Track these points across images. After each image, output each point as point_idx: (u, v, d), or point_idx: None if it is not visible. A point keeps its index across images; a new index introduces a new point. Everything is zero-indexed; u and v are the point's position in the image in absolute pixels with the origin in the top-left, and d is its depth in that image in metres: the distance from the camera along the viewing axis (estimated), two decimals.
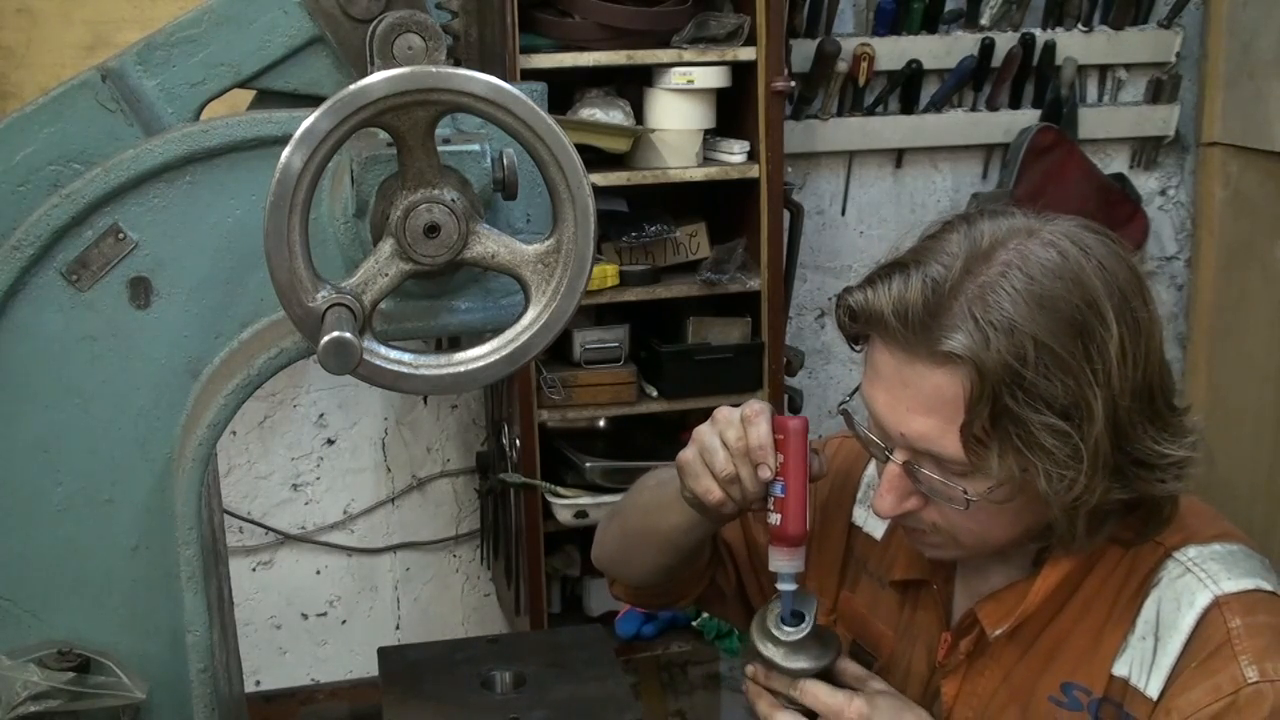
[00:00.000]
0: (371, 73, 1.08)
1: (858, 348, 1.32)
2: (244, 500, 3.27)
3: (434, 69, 1.08)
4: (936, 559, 1.39)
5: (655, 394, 2.97)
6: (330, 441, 3.31)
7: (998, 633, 1.33)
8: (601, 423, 3.02)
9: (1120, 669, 1.27)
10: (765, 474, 1.32)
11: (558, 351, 2.90)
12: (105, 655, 1.27)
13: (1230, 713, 1.20)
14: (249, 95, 1.32)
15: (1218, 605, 1.24)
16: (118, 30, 2.79)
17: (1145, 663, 1.26)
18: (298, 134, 1.06)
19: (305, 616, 3.39)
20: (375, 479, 3.36)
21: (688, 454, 1.39)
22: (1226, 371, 3.51)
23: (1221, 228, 3.49)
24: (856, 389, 1.33)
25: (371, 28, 1.15)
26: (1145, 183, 3.54)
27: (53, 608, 1.28)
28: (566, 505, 2.86)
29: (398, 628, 3.45)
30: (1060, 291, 1.18)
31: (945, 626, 1.41)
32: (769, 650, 1.32)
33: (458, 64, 1.22)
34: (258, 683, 3.31)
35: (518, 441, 2.87)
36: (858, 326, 1.28)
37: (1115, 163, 3.52)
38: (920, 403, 1.23)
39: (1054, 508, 1.23)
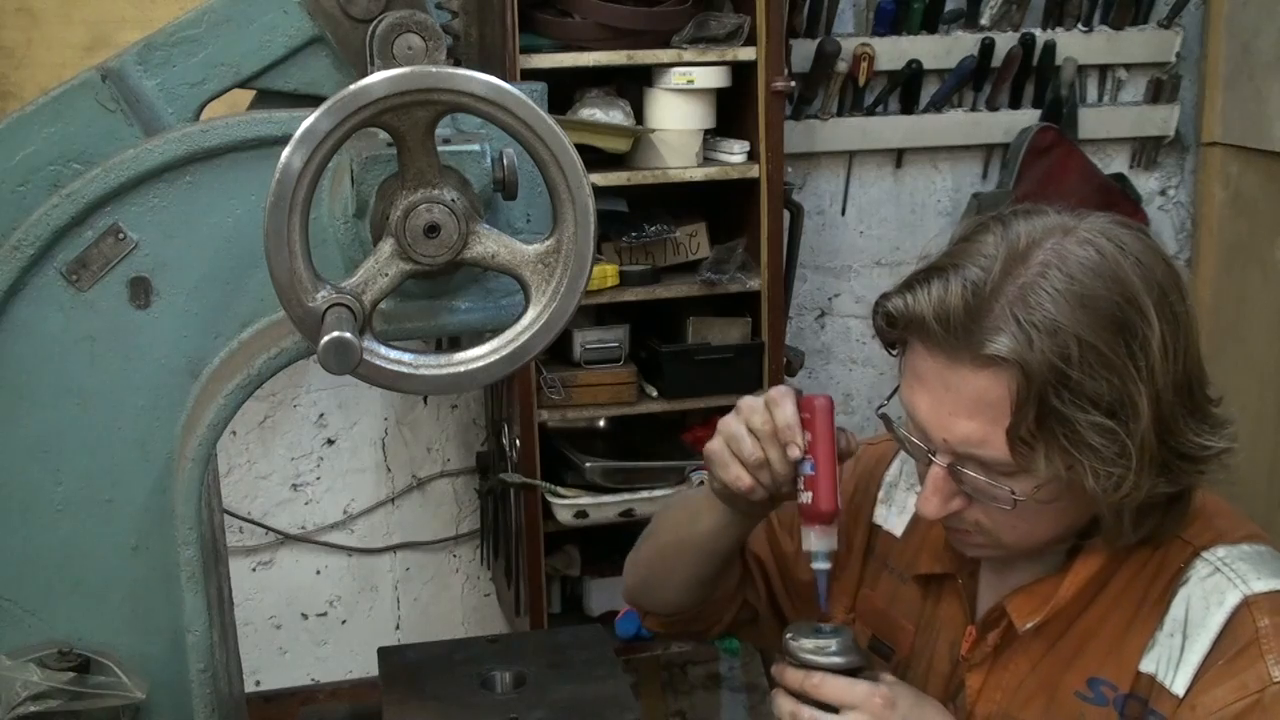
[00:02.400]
0: (371, 73, 1.08)
1: (894, 352, 1.32)
2: (244, 500, 3.27)
3: (434, 69, 1.08)
4: (977, 557, 1.39)
5: (655, 394, 2.97)
6: (330, 441, 3.32)
7: (1028, 626, 1.33)
8: (601, 423, 3.02)
9: (1147, 666, 1.28)
10: (794, 453, 1.32)
11: (558, 351, 2.90)
12: (105, 655, 1.27)
13: (1255, 711, 1.21)
14: (249, 95, 1.32)
15: (1247, 605, 1.25)
16: (118, 30, 2.79)
17: (1173, 660, 1.26)
18: (298, 134, 1.06)
19: (305, 616, 3.39)
20: (375, 479, 3.36)
21: (714, 444, 1.39)
22: (1226, 371, 3.51)
23: (1221, 228, 3.49)
24: (894, 392, 1.32)
25: (371, 28, 1.15)
26: (1145, 183, 3.53)
27: (53, 608, 1.28)
28: (566, 505, 2.86)
29: (398, 628, 3.45)
30: (1100, 289, 1.19)
31: (969, 620, 1.42)
32: (800, 646, 1.32)
33: (458, 64, 1.22)
34: (258, 683, 3.31)
35: (518, 441, 2.87)
36: (896, 332, 1.28)
37: (1115, 163, 3.52)
38: (964, 406, 1.23)
39: (1101, 505, 1.23)
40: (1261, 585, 1.26)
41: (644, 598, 1.69)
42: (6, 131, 1.24)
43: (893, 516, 1.54)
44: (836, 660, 1.30)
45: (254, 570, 3.32)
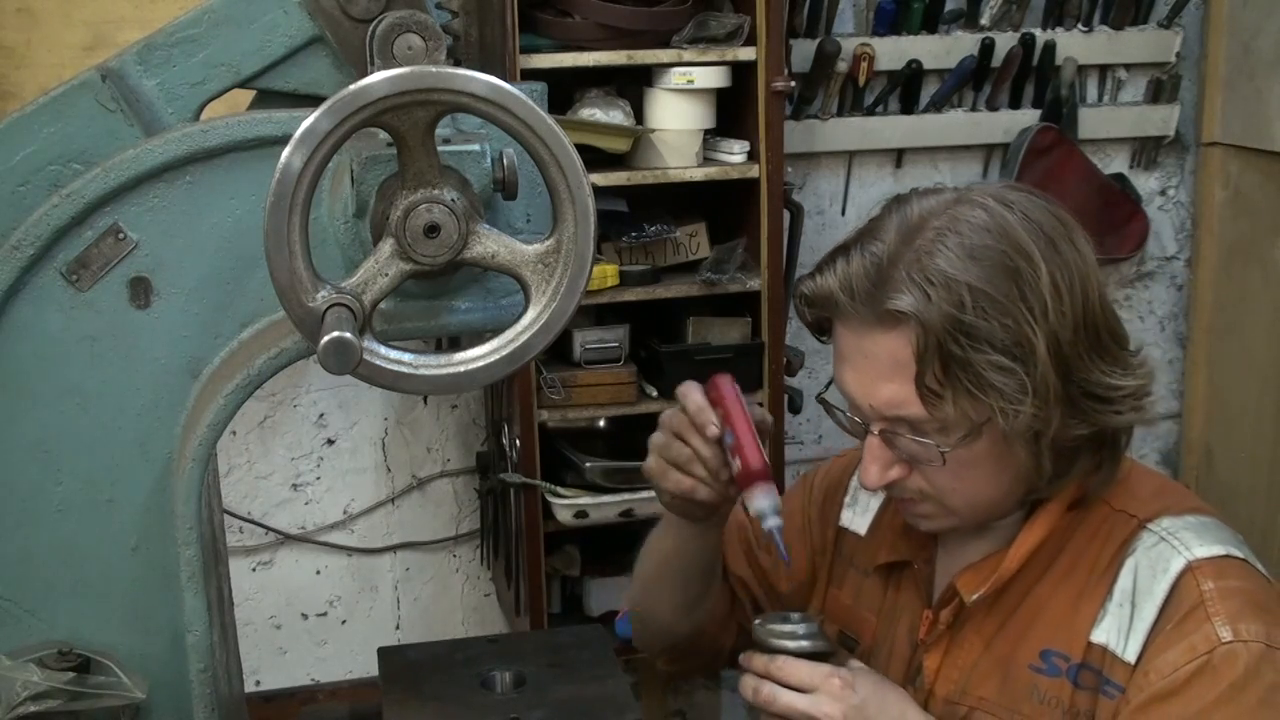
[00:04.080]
0: (371, 73, 1.08)
1: (825, 340, 1.39)
2: (244, 500, 3.27)
3: (434, 69, 1.08)
4: (932, 530, 1.43)
5: (655, 394, 2.96)
6: (330, 441, 3.31)
7: (975, 597, 1.37)
8: (601, 423, 3.02)
9: (1098, 636, 1.32)
10: (712, 431, 1.40)
11: (558, 351, 2.90)
12: (105, 655, 1.27)
13: (1206, 671, 1.25)
14: (249, 95, 1.32)
15: (1190, 570, 1.30)
16: (118, 30, 2.79)
17: (1123, 629, 1.31)
18: (298, 134, 1.06)
19: (305, 616, 3.39)
20: (375, 479, 3.36)
21: (648, 461, 1.47)
22: (1226, 371, 3.51)
23: (1221, 228, 3.49)
24: (831, 381, 1.39)
25: (371, 28, 1.15)
26: (1145, 183, 3.53)
27: (53, 608, 1.28)
28: (566, 505, 2.86)
29: (398, 628, 3.45)
30: (989, 241, 1.27)
31: (927, 604, 1.46)
32: (768, 632, 1.36)
33: (458, 64, 1.22)
34: (258, 683, 3.31)
35: (518, 441, 2.87)
36: (815, 311, 1.37)
37: (1115, 163, 3.52)
38: (881, 370, 1.30)
39: (1018, 447, 1.29)
40: (1204, 551, 1.31)
41: (644, 636, 1.73)
42: (6, 131, 1.24)
43: (858, 518, 1.59)
44: (802, 645, 1.34)
45: (254, 570, 3.32)
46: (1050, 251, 1.28)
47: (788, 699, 1.32)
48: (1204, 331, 3.57)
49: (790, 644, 1.34)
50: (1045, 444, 1.29)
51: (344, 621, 3.41)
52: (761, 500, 1.38)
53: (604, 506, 2.85)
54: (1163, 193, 3.58)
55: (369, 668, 1.90)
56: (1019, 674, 1.35)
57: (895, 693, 1.34)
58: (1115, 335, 1.32)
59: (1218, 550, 1.32)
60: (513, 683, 1.59)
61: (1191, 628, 1.27)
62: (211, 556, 1.33)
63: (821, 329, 1.39)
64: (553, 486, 2.86)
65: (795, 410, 3.17)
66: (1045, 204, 1.33)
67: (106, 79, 1.24)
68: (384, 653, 1.66)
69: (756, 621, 1.39)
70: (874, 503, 1.57)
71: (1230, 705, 1.24)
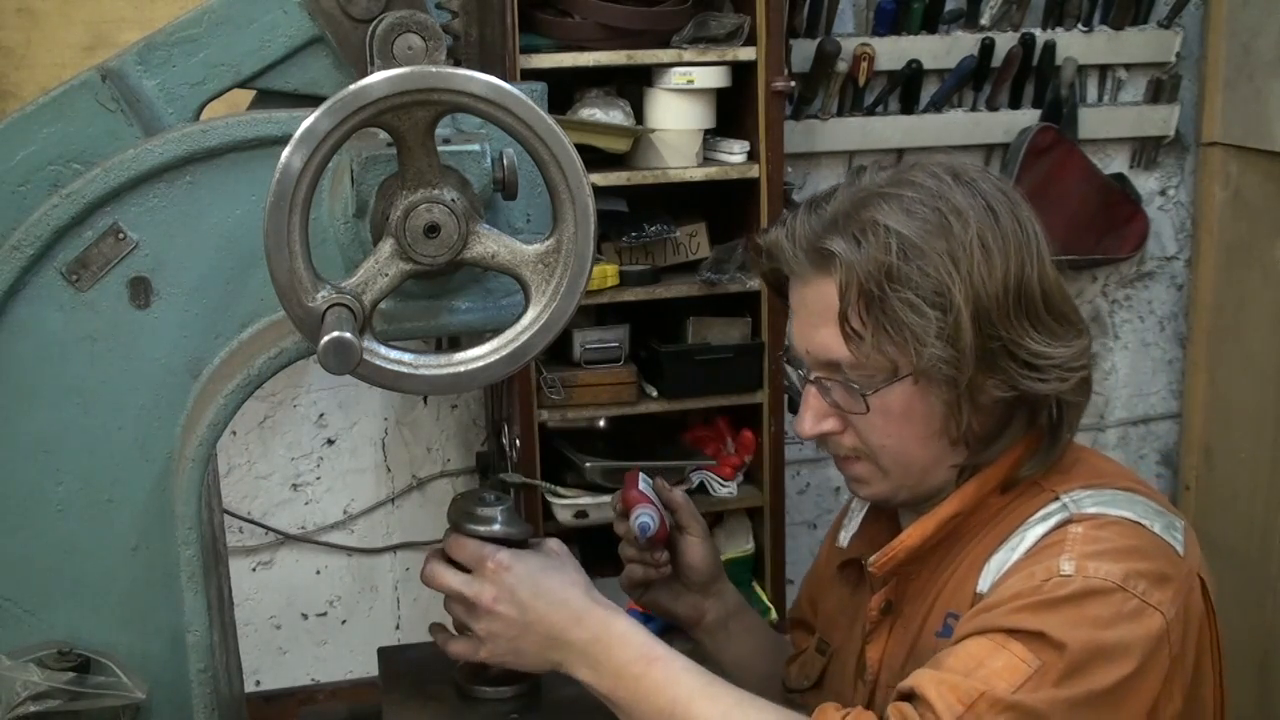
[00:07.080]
0: (371, 73, 1.08)
1: (785, 301, 1.44)
2: (244, 500, 3.27)
3: (434, 69, 1.08)
4: (872, 498, 1.45)
5: (655, 394, 2.97)
6: (330, 441, 3.31)
7: (871, 560, 1.39)
8: (601, 423, 3.02)
9: (981, 586, 1.32)
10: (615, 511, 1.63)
11: (558, 351, 2.90)
12: (105, 655, 1.27)
13: (1033, 589, 1.23)
14: (249, 95, 1.32)
15: (1071, 520, 1.29)
16: (118, 30, 2.79)
17: (997, 574, 1.30)
18: (298, 134, 1.06)
19: (305, 616, 3.39)
20: (375, 479, 3.36)
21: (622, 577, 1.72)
22: (1226, 371, 3.51)
23: (1221, 228, 3.49)
24: (789, 345, 1.44)
25: (371, 28, 1.15)
26: (1145, 183, 3.53)
27: (53, 608, 1.28)
28: (566, 505, 2.86)
29: (398, 628, 3.45)
30: (925, 200, 1.32)
31: None
32: (456, 510, 1.39)
33: (458, 64, 1.22)
34: (258, 683, 3.31)
35: (518, 441, 2.87)
36: (767, 262, 1.41)
37: (1115, 163, 3.52)
38: (817, 316, 1.34)
39: (933, 397, 1.30)
40: (1095, 509, 1.30)
41: None
42: (6, 131, 1.24)
43: (847, 533, 1.62)
44: (491, 529, 1.35)
45: (254, 570, 3.32)
46: (986, 216, 1.31)
47: (445, 577, 1.35)
48: (1204, 331, 3.57)
49: (478, 527, 1.35)
50: (963, 398, 1.30)
51: (344, 621, 3.41)
52: (636, 516, 1.60)
53: (604, 506, 2.85)
54: (1163, 193, 3.58)
55: (369, 668, 1.90)
56: (928, 643, 1.35)
57: (558, 579, 1.35)
58: (1054, 309, 1.33)
59: (1113, 512, 1.30)
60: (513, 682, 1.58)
61: (1040, 560, 1.26)
62: (211, 556, 1.33)
63: (779, 290, 1.44)
64: (553, 486, 2.86)
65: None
66: (997, 181, 1.37)
67: (106, 79, 1.24)
68: (384, 653, 1.66)
69: (454, 498, 1.41)
70: (857, 520, 1.60)
71: (1038, 614, 1.20)
